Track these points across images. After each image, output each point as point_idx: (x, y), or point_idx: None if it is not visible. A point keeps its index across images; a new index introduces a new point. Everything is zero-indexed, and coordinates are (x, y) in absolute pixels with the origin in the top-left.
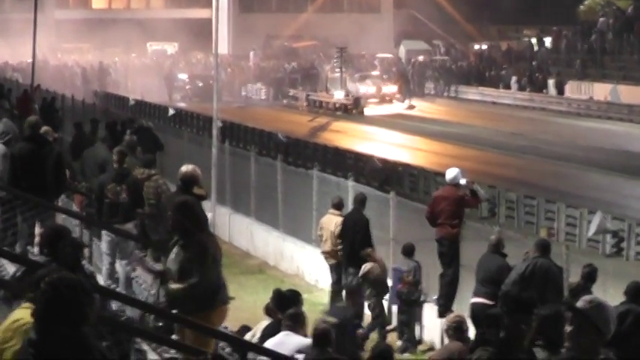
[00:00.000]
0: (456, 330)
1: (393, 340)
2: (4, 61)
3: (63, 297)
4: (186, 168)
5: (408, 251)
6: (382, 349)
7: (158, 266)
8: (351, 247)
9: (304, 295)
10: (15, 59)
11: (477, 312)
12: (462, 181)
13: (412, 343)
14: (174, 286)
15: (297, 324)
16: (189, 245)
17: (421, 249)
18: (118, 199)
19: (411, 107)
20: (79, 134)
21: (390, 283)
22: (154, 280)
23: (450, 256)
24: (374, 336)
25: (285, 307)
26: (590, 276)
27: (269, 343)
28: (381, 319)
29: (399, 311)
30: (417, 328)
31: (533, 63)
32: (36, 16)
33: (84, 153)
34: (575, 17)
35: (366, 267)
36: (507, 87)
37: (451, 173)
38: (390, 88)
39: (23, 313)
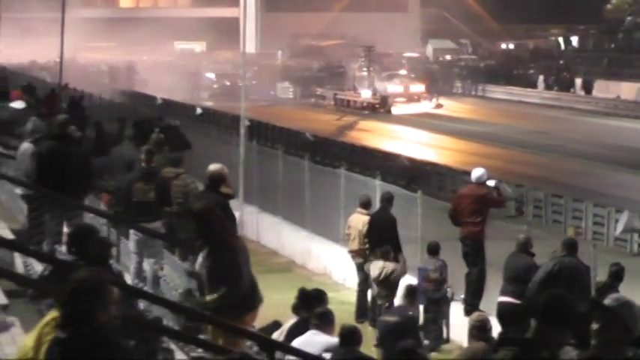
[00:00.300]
0: (479, 329)
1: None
2: (31, 60)
3: (86, 296)
4: (213, 167)
5: (433, 250)
6: (406, 348)
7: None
8: (379, 246)
9: (331, 294)
10: (42, 58)
11: (503, 311)
12: (491, 182)
13: (439, 341)
14: (208, 298)
15: (324, 323)
16: (217, 252)
17: (449, 248)
18: (146, 198)
19: (439, 106)
20: (99, 133)
21: (415, 281)
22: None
23: (474, 255)
24: None
25: (311, 306)
26: (617, 275)
27: (296, 342)
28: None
29: (425, 310)
30: (444, 327)
31: (561, 62)
32: (64, 15)
33: (111, 151)
34: (602, 16)
35: (389, 268)
36: (534, 86)
37: (477, 172)
38: (418, 87)
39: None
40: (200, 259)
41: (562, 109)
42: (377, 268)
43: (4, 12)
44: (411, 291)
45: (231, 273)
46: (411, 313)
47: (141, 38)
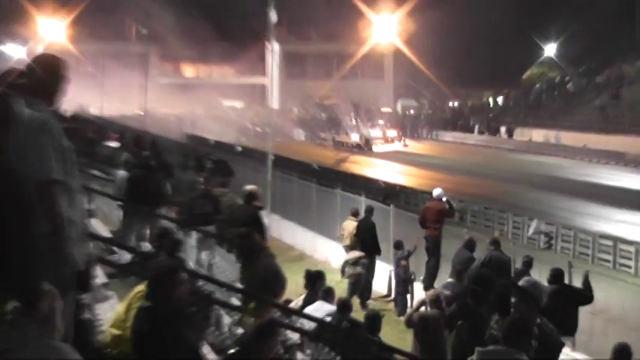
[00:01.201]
0: (434, 302)
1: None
2: (121, 114)
3: (164, 277)
4: (249, 187)
5: (398, 245)
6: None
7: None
8: (363, 243)
9: (330, 276)
10: (128, 112)
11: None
12: (444, 198)
13: (404, 309)
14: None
15: (328, 296)
16: (254, 268)
17: (412, 244)
18: (204, 210)
19: (406, 145)
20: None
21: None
22: None
23: (432, 249)
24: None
25: (313, 282)
26: (528, 264)
27: (308, 309)
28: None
29: (396, 286)
30: (408, 299)
31: (490, 115)
32: (147, 82)
33: (179, 176)
34: (520, 82)
35: (357, 255)
36: (472, 131)
37: (437, 191)
38: (391, 133)
39: (143, 286)
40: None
41: (492, 148)
42: (352, 255)
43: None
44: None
45: (270, 291)
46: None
47: (200, 97)
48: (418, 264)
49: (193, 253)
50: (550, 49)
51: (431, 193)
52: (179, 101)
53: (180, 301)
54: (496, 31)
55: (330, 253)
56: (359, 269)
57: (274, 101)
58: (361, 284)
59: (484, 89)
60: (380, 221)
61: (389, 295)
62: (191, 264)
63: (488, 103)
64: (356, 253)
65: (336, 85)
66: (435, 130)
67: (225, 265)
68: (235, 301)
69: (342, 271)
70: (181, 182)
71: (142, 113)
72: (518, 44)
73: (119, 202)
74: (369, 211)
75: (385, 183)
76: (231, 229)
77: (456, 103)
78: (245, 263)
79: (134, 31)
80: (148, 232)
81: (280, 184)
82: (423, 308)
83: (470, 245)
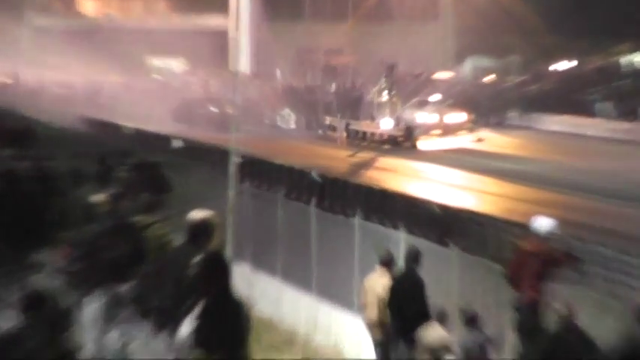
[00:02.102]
0: None
1: None
2: None
3: None
4: (196, 215)
5: (471, 321)
6: None
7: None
8: (403, 317)
9: None
10: None
11: None
12: (551, 234)
13: None
14: None
15: None
16: (220, 309)
17: (491, 318)
18: (113, 254)
19: (479, 140)
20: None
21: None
22: None
23: (530, 328)
24: None
25: None
26: None
27: None
28: None
29: None
30: None
31: (622, 85)
32: (18, 28)
33: (69, 195)
34: None
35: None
36: (592, 113)
37: (540, 223)
38: (455, 117)
39: None
40: (187, 326)
41: (634, 144)
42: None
43: None
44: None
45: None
46: None
47: (107, 54)
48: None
49: (93, 331)
50: None
51: (527, 227)
52: (74, 60)
53: None
54: None
55: (342, 334)
56: None
57: (243, 60)
58: None
59: (620, 40)
60: (433, 275)
61: None
62: (89, 350)
63: (619, 65)
64: (441, 331)
65: (353, 31)
66: (531, 112)
67: (150, 355)
68: None
69: None
70: (74, 204)
71: (10, 81)
72: None
73: None
74: (414, 257)
75: (442, 207)
76: (163, 289)
77: (569, 64)
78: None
79: None
80: (11, 296)
81: (253, 208)
82: None
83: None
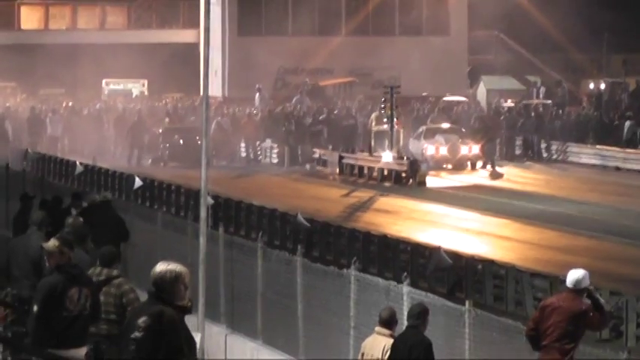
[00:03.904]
0: None
1: None
2: None
3: None
4: (162, 267)
5: None
6: None
7: None
8: None
9: None
10: None
11: None
12: (585, 287)
13: None
14: None
15: None
16: None
17: None
18: (63, 313)
19: (497, 176)
20: None
21: None
22: None
23: None
24: None
25: None
26: None
27: None
28: None
29: None
30: None
31: None
32: None
33: (10, 244)
34: None
35: None
36: (634, 143)
37: (575, 275)
38: (469, 148)
39: None
40: None
41: None
42: None
43: None
44: None
45: None
46: None
47: (53, 75)
48: None
49: None
50: None
51: (553, 279)
52: (9, 83)
53: None
54: None
55: None
56: None
57: (215, 82)
58: None
59: None
60: (442, 335)
61: None
62: None
63: None
64: None
65: (346, 48)
66: (558, 142)
67: None
68: None
69: None
70: (16, 255)
71: None
72: None
73: None
74: (420, 314)
75: (453, 256)
76: (123, 353)
77: (602, 85)
78: None
79: None
80: None
81: (228, 258)
82: None
83: None
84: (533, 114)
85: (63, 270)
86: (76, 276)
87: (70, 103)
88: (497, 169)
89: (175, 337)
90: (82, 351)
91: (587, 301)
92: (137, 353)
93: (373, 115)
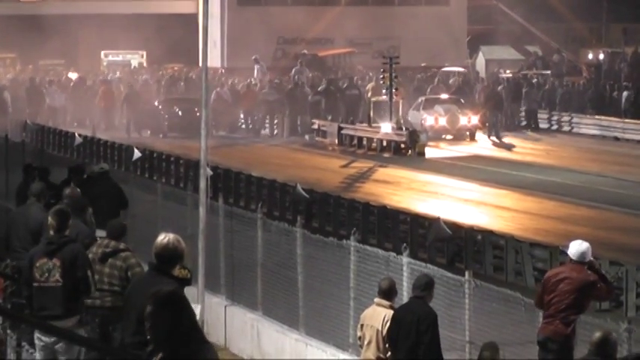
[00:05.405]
0: None
1: None
2: None
3: None
4: (163, 238)
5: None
6: None
7: None
8: (410, 355)
9: None
10: None
11: None
12: (588, 259)
13: None
14: None
15: None
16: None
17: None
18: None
19: (497, 146)
20: None
21: None
22: None
23: None
24: None
25: None
26: None
27: None
28: None
29: None
30: None
31: None
32: None
33: (10, 215)
34: None
35: None
36: (637, 115)
37: (578, 247)
38: (469, 119)
39: None
40: None
41: None
42: None
43: None
44: None
45: None
46: None
47: (53, 46)
48: None
49: None
50: None
51: (554, 250)
52: (8, 54)
53: None
54: None
55: None
56: None
57: (212, 52)
58: None
59: None
60: (442, 307)
61: None
62: None
63: None
64: None
65: (345, 18)
66: (558, 112)
67: None
68: None
69: None
70: (16, 226)
71: None
72: None
73: None
74: (424, 286)
75: (453, 226)
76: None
77: (602, 55)
78: None
79: None
80: None
81: (228, 230)
82: None
83: (605, 350)
84: (534, 81)
85: (45, 241)
86: (55, 248)
87: (73, 75)
88: (499, 137)
89: (192, 311)
90: (67, 324)
91: (591, 271)
92: (153, 329)
93: (369, 86)
